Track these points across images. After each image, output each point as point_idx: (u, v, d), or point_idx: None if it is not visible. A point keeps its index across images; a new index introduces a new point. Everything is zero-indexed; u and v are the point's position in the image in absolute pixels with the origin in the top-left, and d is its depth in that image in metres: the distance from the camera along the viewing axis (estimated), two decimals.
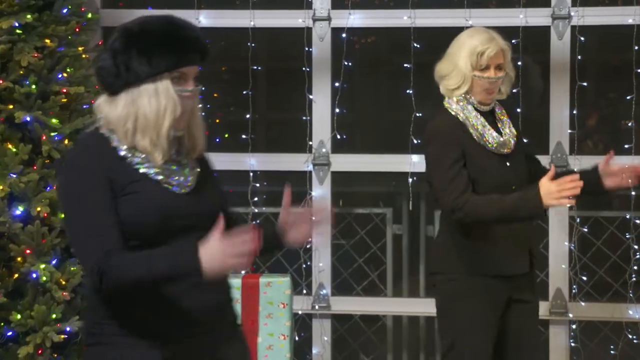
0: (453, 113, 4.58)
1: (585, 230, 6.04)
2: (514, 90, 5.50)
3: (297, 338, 5.96)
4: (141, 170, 3.12)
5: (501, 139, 4.52)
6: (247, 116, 6.10)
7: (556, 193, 4.25)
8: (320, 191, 6.04)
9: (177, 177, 3.17)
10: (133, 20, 3.17)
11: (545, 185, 4.28)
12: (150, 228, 3.08)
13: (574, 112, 5.91)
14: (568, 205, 4.40)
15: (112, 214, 3.06)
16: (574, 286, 5.93)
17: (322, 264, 6.04)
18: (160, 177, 3.13)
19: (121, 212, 3.08)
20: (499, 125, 4.60)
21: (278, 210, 5.84)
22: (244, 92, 6.09)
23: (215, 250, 2.94)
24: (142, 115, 3.10)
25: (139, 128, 3.10)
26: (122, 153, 3.13)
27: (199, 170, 3.23)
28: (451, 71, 4.58)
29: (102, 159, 3.11)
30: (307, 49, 6.05)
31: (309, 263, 6.07)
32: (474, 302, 4.52)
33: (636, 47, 5.87)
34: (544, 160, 5.70)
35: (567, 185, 4.25)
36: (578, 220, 5.99)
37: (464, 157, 4.50)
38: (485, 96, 4.54)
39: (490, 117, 4.61)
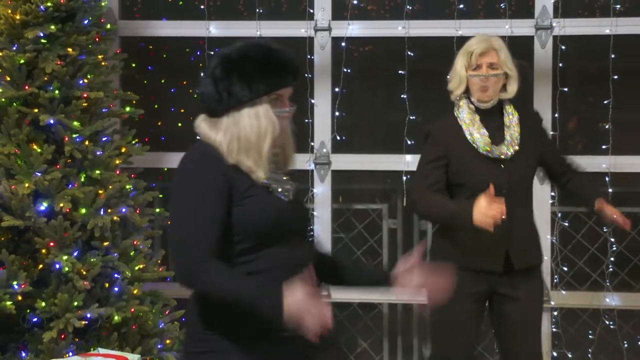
0: (455, 115, 4.64)
1: (566, 224, 6.05)
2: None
3: None
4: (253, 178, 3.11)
5: (488, 143, 4.53)
6: None
7: (482, 214, 4.28)
8: (322, 188, 6.06)
9: (284, 186, 3.18)
10: (231, 47, 3.17)
11: (479, 204, 4.30)
12: (265, 229, 3.09)
13: (556, 115, 5.92)
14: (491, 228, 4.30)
15: (220, 222, 3.04)
16: (556, 276, 5.94)
17: None
18: (271, 185, 3.13)
19: (240, 214, 3.07)
20: (505, 129, 4.61)
21: None
22: None
23: (299, 304, 2.89)
24: (245, 137, 3.09)
25: (242, 148, 3.09)
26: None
27: (294, 182, 3.24)
28: (453, 77, 4.65)
29: (222, 166, 3.10)
30: (309, 57, 6.07)
31: None
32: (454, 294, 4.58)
33: (612, 56, 5.88)
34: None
35: (493, 210, 4.26)
36: (559, 215, 6.01)
37: (447, 158, 4.57)
38: (480, 94, 4.57)
39: (496, 119, 4.63)
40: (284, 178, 3.21)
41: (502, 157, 4.55)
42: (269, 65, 3.12)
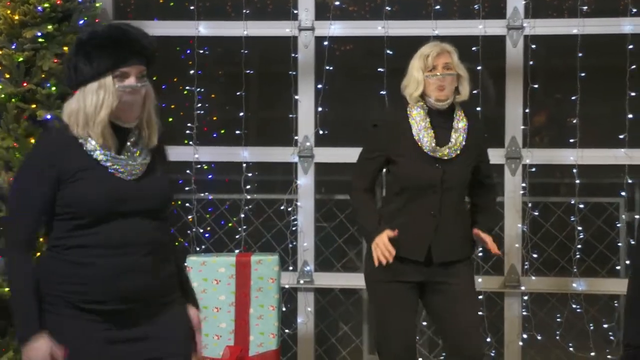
0: (407, 113, 4.68)
1: (536, 213, 6.09)
2: (474, 92, 5.53)
3: (284, 309, 6.01)
4: (94, 157, 3.23)
5: (433, 144, 4.58)
6: (241, 114, 6.15)
7: (377, 244, 4.47)
8: (305, 180, 6.08)
9: (125, 165, 3.26)
10: (85, 29, 3.34)
11: (380, 237, 4.48)
12: (97, 209, 3.20)
13: (527, 110, 5.95)
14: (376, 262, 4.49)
15: (38, 209, 3.24)
16: (526, 263, 5.96)
17: (306, 244, 6.07)
18: (109, 164, 3.24)
19: (69, 193, 3.22)
20: (452, 133, 4.66)
21: (267, 197, 5.93)
22: (238, 93, 6.14)
23: (38, 352, 3.18)
24: (84, 110, 3.22)
25: (82, 121, 3.22)
26: (80, 141, 3.24)
27: (148, 160, 3.31)
28: (409, 81, 4.69)
29: (50, 151, 3.25)
30: (293, 55, 6.09)
31: (295, 243, 6.10)
32: (386, 281, 4.63)
33: (580, 54, 5.92)
34: (499, 152, 5.82)
35: (382, 250, 4.44)
36: (530, 205, 6.04)
37: (387, 151, 4.64)
38: (438, 93, 4.61)
39: (447, 121, 4.66)
40: (137, 155, 3.28)
41: (442, 157, 4.59)
42: (113, 43, 3.21)
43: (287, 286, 6.04)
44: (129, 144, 3.28)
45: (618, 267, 6.09)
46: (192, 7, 6.13)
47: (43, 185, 3.22)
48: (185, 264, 3.56)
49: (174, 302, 3.37)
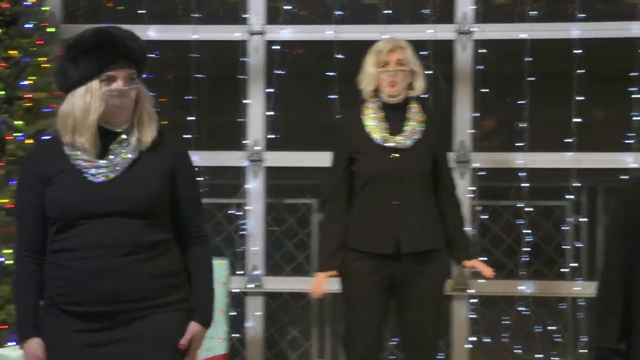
0: (361, 110, 4.74)
1: (486, 217, 6.12)
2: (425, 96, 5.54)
3: (234, 313, 5.97)
4: (73, 162, 3.24)
5: (385, 135, 4.64)
6: (191, 118, 6.12)
7: (318, 278, 4.76)
8: (255, 184, 6.07)
9: (102, 168, 3.24)
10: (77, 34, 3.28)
11: (319, 276, 4.75)
12: (69, 212, 3.22)
13: (476, 114, 5.97)
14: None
15: (31, 213, 3.30)
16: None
17: (256, 248, 6.05)
18: (86, 167, 3.24)
19: (47, 198, 3.26)
20: (406, 123, 4.69)
21: (217, 201, 5.90)
22: (188, 97, 6.12)
23: (29, 355, 3.27)
24: (73, 114, 3.21)
25: (71, 126, 3.21)
26: (65, 147, 3.25)
27: (130, 161, 3.26)
28: (364, 77, 4.74)
29: (36, 157, 3.33)
30: (243, 59, 6.08)
31: (244, 247, 6.08)
32: (356, 278, 4.67)
33: (529, 59, 5.95)
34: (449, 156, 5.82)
35: (314, 288, 4.75)
36: (479, 208, 6.07)
37: (349, 150, 4.71)
38: (389, 89, 4.67)
39: (400, 114, 4.71)
40: (122, 158, 3.25)
41: (397, 146, 4.62)
42: (99, 47, 3.21)
43: (236, 290, 6.00)
44: (113, 147, 3.25)
45: (565, 270, 6.12)
46: (141, 11, 6.09)
47: (30, 193, 3.28)
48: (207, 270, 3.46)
49: (167, 306, 3.29)
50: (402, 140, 4.65)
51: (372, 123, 4.68)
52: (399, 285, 4.68)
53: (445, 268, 4.82)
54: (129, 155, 3.26)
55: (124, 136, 3.26)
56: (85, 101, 3.19)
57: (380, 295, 4.68)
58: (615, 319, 3.19)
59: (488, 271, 4.81)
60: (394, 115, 4.70)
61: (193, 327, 3.34)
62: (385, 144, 4.65)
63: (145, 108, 3.30)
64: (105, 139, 3.25)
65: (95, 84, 3.19)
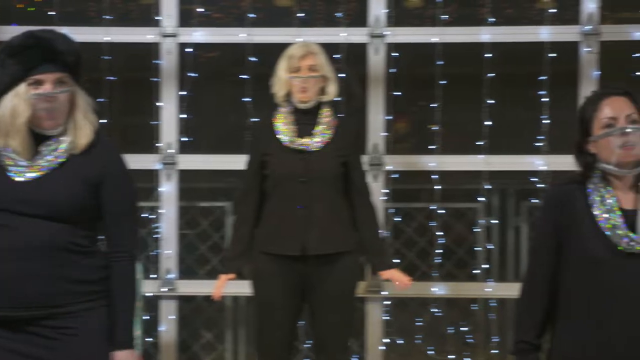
0: (273, 114, 4.75)
1: (399, 219, 6.14)
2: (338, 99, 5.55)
3: (147, 317, 5.90)
4: (2, 160, 3.21)
5: (293, 136, 4.65)
6: (102, 121, 6.02)
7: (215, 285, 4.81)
8: (168, 187, 6.01)
9: (25, 170, 3.20)
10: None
11: (222, 278, 4.80)
12: None
13: (389, 117, 5.99)
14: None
15: None
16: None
17: (169, 251, 5.99)
18: (11, 169, 3.20)
19: None
20: (315, 126, 4.69)
21: None
22: (100, 100, 6.04)
23: None
24: (3, 118, 3.18)
25: (6, 128, 3.18)
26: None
27: (55, 164, 3.21)
28: (276, 82, 4.74)
29: None
30: (156, 61, 6.02)
31: (157, 251, 6.02)
32: (265, 280, 4.68)
33: (440, 62, 6.00)
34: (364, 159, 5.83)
35: (216, 289, 4.83)
36: (393, 210, 6.09)
37: (260, 155, 4.72)
38: (300, 95, 4.68)
39: (312, 118, 4.71)
40: (50, 161, 3.21)
41: (304, 148, 4.63)
42: (25, 51, 3.18)
43: (149, 294, 5.94)
44: (42, 149, 3.21)
45: (477, 271, 6.17)
46: (52, 13, 6.00)
47: None
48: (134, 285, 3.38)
49: (85, 312, 3.24)
50: (309, 142, 4.65)
51: (283, 127, 4.68)
52: (308, 287, 4.67)
53: (356, 270, 4.81)
54: (52, 158, 3.21)
55: (52, 140, 3.21)
56: (12, 105, 3.17)
57: (291, 298, 4.67)
58: (538, 314, 3.27)
59: (404, 281, 4.82)
60: (305, 119, 4.71)
61: (119, 356, 3.27)
62: (293, 146, 4.64)
63: (80, 111, 3.25)
64: (39, 142, 3.22)
65: (22, 87, 3.17)
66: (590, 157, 3.26)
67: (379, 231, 4.87)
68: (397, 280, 4.83)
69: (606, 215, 3.20)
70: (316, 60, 4.71)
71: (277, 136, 4.69)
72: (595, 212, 3.21)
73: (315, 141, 4.67)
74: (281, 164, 4.66)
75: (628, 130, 3.19)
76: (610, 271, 3.18)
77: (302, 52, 4.72)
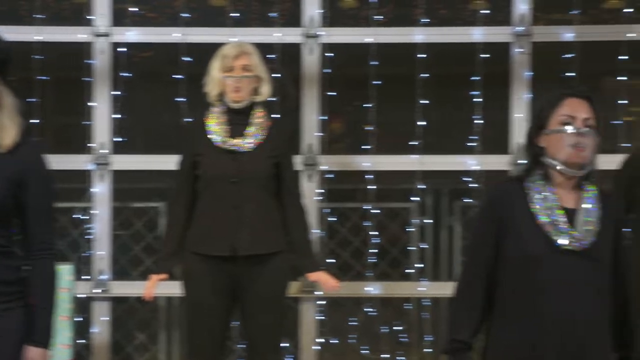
0: (205, 114, 4.73)
1: (334, 219, 6.15)
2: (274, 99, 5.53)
3: (80, 319, 5.84)
4: None
5: (225, 137, 4.63)
6: (34, 121, 5.96)
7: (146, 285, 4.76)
8: (101, 188, 5.95)
9: None
10: None
11: (153, 278, 4.72)
12: None
13: (323, 117, 5.99)
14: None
15: None
16: (325, 268, 5.98)
17: (102, 252, 5.92)
18: None
19: None
20: (248, 127, 4.68)
21: (62, 205, 5.74)
22: (31, 100, 5.97)
23: None
24: None
25: None
26: None
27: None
28: (209, 82, 4.72)
29: None
30: (89, 61, 5.96)
31: (90, 252, 5.95)
32: (196, 281, 4.66)
33: (375, 62, 6.02)
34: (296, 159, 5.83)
35: (147, 289, 4.76)
36: (327, 210, 6.10)
37: (192, 155, 4.69)
38: (234, 94, 4.67)
39: (244, 118, 4.69)
40: None
41: (236, 149, 4.62)
42: None
43: (82, 295, 5.87)
44: None
45: (410, 271, 6.19)
46: None
47: None
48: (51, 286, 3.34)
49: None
50: (241, 143, 4.64)
51: (215, 127, 4.67)
52: (239, 288, 4.65)
53: (286, 271, 4.79)
54: None
55: None
56: None
57: (221, 298, 4.65)
58: (472, 313, 3.29)
59: (331, 283, 4.81)
60: (238, 119, 4.69)
61: (31, 353, 3.24)
62: (225, 147, 4.63)
63: (5, 112, 3.22)
64: None
65: None
66: (538, 150, 3.30)
67: (308, 232, 4.85)
68: (324, 283, 4.82)
69: (547, 213, 3.24)
70: (250, 60, 4.71)
71: (209, 136, 4.66)
72: (535, 210, 3.25)
73: (247, 142, 4.66)
74: (213, 164, 4.63)
75: (582, 131, 3.23)
76: (548, 269, 3.21)
77: (236, 51, 4.71)
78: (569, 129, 3.23)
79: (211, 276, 4.62)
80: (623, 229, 3.41)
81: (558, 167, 3.25)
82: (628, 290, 3.33)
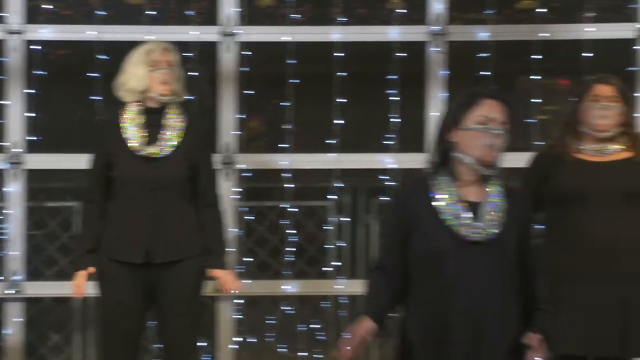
0: (120, 113, 4.67)
1: (252, 218, 6.13)
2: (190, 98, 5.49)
3: None
4: None
5: (142, 143, 4.58)
6: None
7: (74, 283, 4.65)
8: (14, 187, 5.86)
9: None
10: None
11: (78, 275, 4.63)
12: None
13: (241, 116, 5.96)
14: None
15: None
16: (243, 266, 5.96)
17: (15, 252, 5.85)
18: None
19: None
20: (164, 131, 4.63)
21: None
22: None
23: None
24: None
25: None
26: None
27: None
28: (129, 77, 4.67)
29: None
30: (2, 59, 5.88)
31: (3, 252, 5.87)
32: (110, 284, 4.62)
33: (292, 61, 6.01)
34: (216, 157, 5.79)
35: (76, 287, 4.64)
36: (245, 209, 6.08)
37: (103, 154, 4.65)
38: (162, 87, 4.63)
39: (159, 119, 4.65)
40: None
41: (152, 155, 4.57)
42: None
43: None
44: None
45: (328, 269, 6.20)
46: None
47: None
48: None
49: None
50: (157, 150, 4.59)
51: (131, 129, 4.61)
52: (153, 292, 4.61)
53: (200, 274, 4.74)
54: None
55: None
56: None
57: (136, 301, 4.61)
58: (386, 290, 3.36)
59: (231, 285, 4.77)
60: (154, 120, 4.64)
61: None
62: (141, 153, 4.57)
63: None
64: None
65: None
66: (448, 145, 3.35)
67: (223, 235, 4.79)
68: (224, 282, 4.76)
69: (450, 207, 3.30)
70: (173, 57, 4.70)
71: (124, 136, 4.60)
72: (439, 205, 3.30)
73: (163, 148, 4.60)
74: (128, 168, 4.58)
75: (498, 133, 3.30)
76: (454, 263, 3.27)
77: (162, 47, 4.72)
78: (486, 128, 3.29)
79: (126, 280, 4.58)
80: (530, 222, 3.47)
81: (468, 163, 3.30)
82: (535, 280, 3.38)
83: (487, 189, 3.35)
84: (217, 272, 4.76)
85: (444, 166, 3.37)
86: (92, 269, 4.65)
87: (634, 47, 5.91)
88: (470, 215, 3.29)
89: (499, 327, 3.27)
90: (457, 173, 3.35)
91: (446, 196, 3.32)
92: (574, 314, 4.39)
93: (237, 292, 4.88)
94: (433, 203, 3.32)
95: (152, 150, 4.58)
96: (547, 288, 3.42)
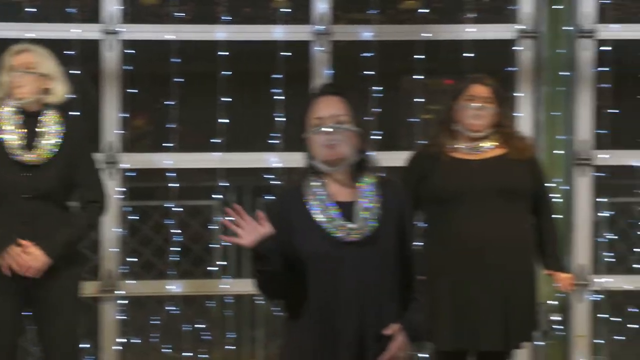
0: None
1: (136, 217, 6.07)
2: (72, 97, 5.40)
3: None
4: None
5: (19, 148, 4.46)
6: None
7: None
8: None
9: None
10: None
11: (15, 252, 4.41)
12: None
13: (124, 115, 5.89)
14: None
15: None
16: (127, 267, 5.91)
17: None
18: None
19: None
20: (41, 136, 4.52)
21: None
22: None
23: None
24: None
25: None
26: None
27: None
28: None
29: None
30: None
31: None
32: None
33: (176, 60, 5.97)
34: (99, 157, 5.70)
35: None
36: (129, 209, 6.02)
37: None
38: (16, 90, 4.52)
39: (36, 122, 4.54)
40: None
41: (29, 163, 4.48)
42: None
43: None
44: None
45: (213, 269, 6.18)
46: None
47: None
48: None
49: None
50: (34, 158, 4.49)
51: (7, 133, 4.49)
52: (29, 298, 4.53)
53: (77, 276, 4.67)
54: None
55: None
56: None
57: (11, 306, 4.51)
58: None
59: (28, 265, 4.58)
60: (30, 124, 4.53)
61: None
62: (16, 158, 4.47)
63: None
64: None
65: None
66: (308, 153, 3.35)
67: (86, 231, 4.72)
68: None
69: (322, 210, 3.29)
70: (32, 58, 4.57)
71: (1, 142, 4.49)
72: (312, 209, 3.30)
73: (41, 155, 4.50)
74: (4, 175, 4.46)
75: (325, 129, 3.29)
76: (331, 264, 3.27)
77: (14, 49, 4.61)
78: (319, 129, 3.30)
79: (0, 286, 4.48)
80: (408, 210, 3.47)
81: (320, 167, 3.31)
82: (411, 270, 3.41)
83: (358, 186, 3.35)
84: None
85: (314, 170, 3.36)
86: None
87: (513, 48, 6.02)
88: (341, 216, 3.28)
89: (382, 324, 3.28)
90: (326, 175, 3.35)
91: (317, 201, 3.31)
92: (452, 312, 4.47)
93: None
94: (307, 207, 3.31)
95: (28, 157, 4.47)
96: (419, 279, 3.44)
